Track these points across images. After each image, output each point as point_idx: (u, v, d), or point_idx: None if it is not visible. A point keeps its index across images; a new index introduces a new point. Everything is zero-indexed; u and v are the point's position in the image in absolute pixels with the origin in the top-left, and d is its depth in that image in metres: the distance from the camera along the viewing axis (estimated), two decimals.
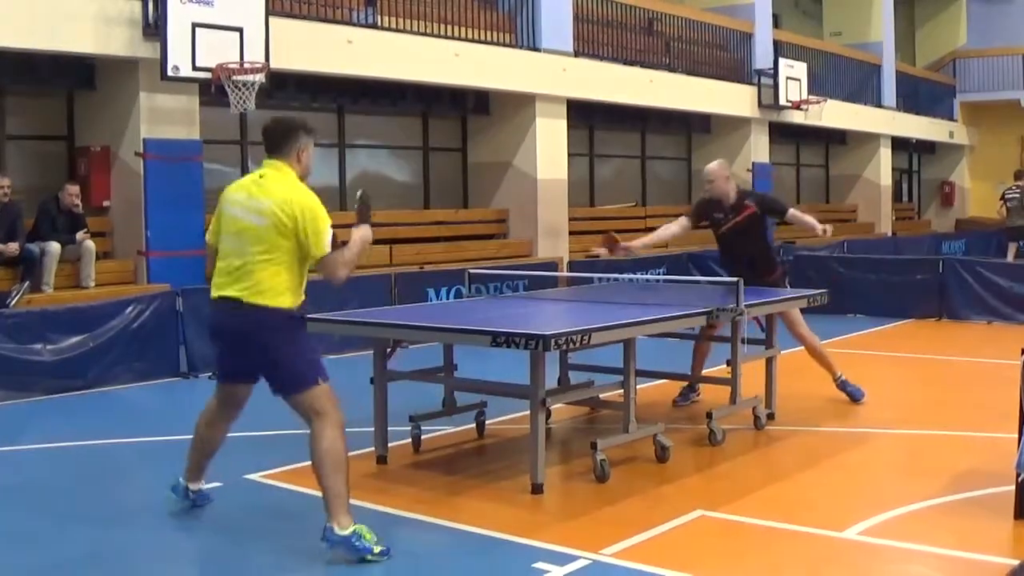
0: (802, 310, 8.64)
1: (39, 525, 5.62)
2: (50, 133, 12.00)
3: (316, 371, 5.04)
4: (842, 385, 8.49)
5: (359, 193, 5.52)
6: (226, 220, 5.13)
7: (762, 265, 8.34)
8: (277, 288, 4.96)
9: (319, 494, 5.98)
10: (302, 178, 5.13)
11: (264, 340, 5.03)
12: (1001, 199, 20.10)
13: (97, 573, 5.01)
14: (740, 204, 8.34)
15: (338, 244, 4.98)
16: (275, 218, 4.90)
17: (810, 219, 8.41)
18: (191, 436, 5.69)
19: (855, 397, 8.44)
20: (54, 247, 10.43)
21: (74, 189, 10.85)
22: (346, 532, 4.89)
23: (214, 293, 5.13)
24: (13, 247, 10.23)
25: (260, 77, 11.19)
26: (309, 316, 6.67)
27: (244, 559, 5.10)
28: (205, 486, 5.79)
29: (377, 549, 4.91)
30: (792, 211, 8.50)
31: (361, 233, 5.21)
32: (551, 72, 15.56)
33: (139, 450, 7.36)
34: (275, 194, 4.95)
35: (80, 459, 7.04)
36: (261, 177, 5.08)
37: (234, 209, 5.09)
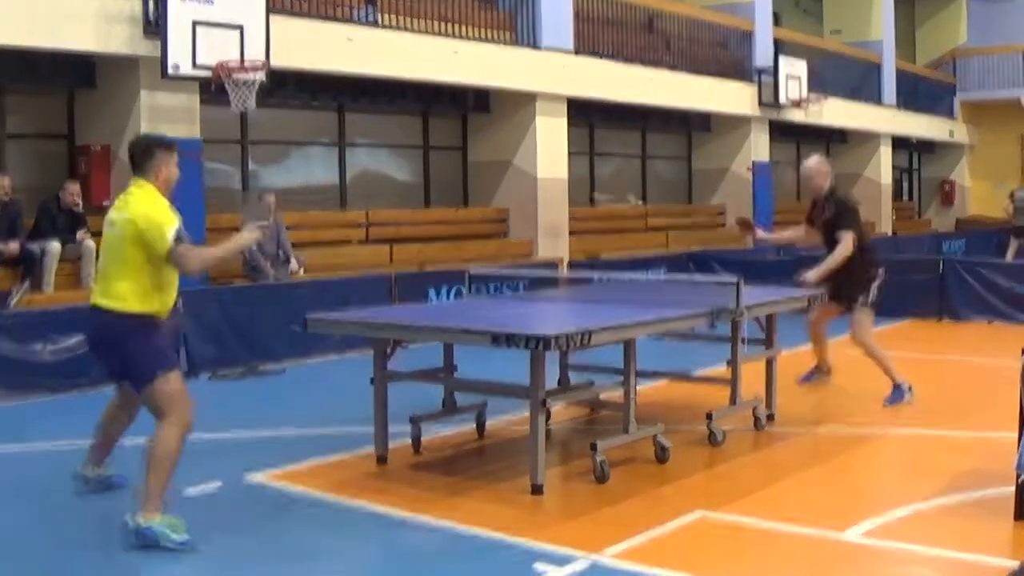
0: (802, 310, 8.65)
1: (39, 525, 5.62)
2: (50, 132, 12.00)
3: (159, 365, 5.30)
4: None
5: (256, 195, 5.87)
6: (104, 234, 5.51)
7: (849, 270, 8.27)
8: (132, 294, 5.28)
9: (320, 494, 6.00)
10: (165, 192, 5.44)
11: (114, 341, 5.37)
12: (1009, 197, 20.07)
13: (97, 573, 5.01)
14: (826, 204, 8.52)
15: (183, 240, 5.26)
16: (126, 228, 5.26)
17: (836, 256, 8.26)
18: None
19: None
20: (54, 246, 10.42)
21: (75, 188, 10.85)
22: (142, 524, 5.10)
23: (90, 300, 5.52)
24: (13, 246, 10.23)
25: (260, 75, 11.19)
26: (308, 316, 6.74)
27: (245, 558, 5.10)
28: (109, 472, 6.05)
29: (177, 537, 5.11)
30: (844, 235, 8.26)
31: (239, 236, 5.62)
32: (551, 70, 15.56)
33: (139, 450, 7.34)
34: (130, 209, 5.31)
35: (80, 459, 7.03)
36: (127, 195, 5.43)
37: (105, 226, 5.49)
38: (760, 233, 8.89)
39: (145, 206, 5.30)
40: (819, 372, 9.07)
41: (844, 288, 8.34)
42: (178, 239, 5.23)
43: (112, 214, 5.47)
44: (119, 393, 5.85)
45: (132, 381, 5.42)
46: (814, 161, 8.70)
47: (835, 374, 9.27)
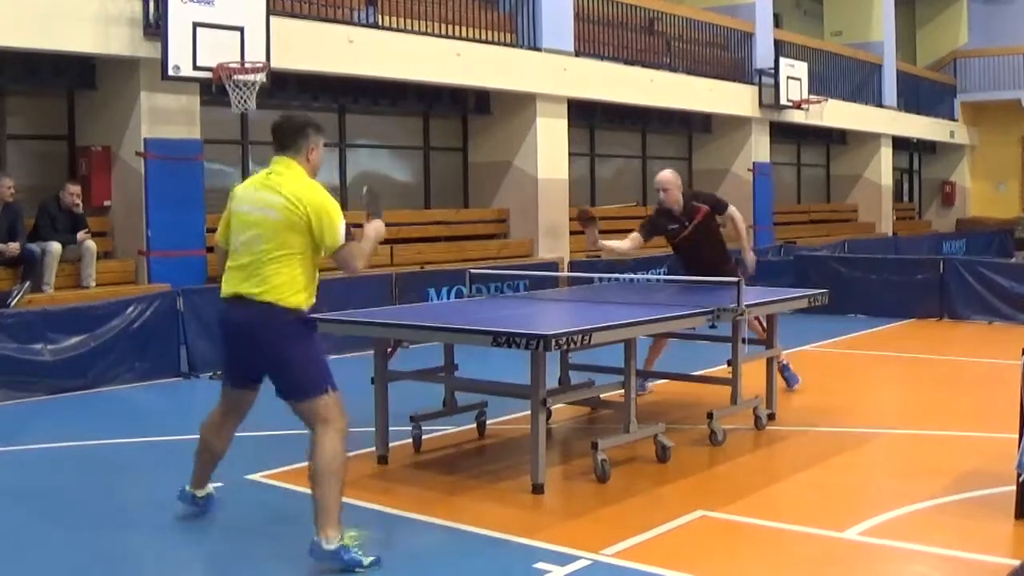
0: (804, 310, 8.65)
1: (40, 525, 5.62)
2: (51, 133, 12.00)
3: (326, 379, 4.91)
4: (783, 369, 8.73)
5: (364, 189, 5.53)
6: (236, 218, 5.04)
7: (720, 261, 8.42)
8: (289, 286, 4.85)
9: None
10: (311, 176, 5.09)
11: (273, 340, 4.89)
12: None
13: (97, 573, 5.01)
14: (691, 207, 8.47)
15: (351, 235, 4.93)
16: (286, 212, 4.83)
17: (743, 229, 8.65)
18: (195, 439, 5.57)
19: (790, 383, 8.74)
20: (54, 247, 10.43)
21: (75, 189, 10.85)
22: (333, 546, 4.71)
23: (224, 290, 5.03)
24: (14, 247, 10.23)
25: (261, 77, 11.19)
26: (309, 316, 6.72)
27: (245, 560, 5.10)
28: (211, 488, 5.70)
29: (367, 561, 4.75)
30: (732, 208, 8.63)
31: (375, 226, 5.24)
32: (552, 72, 15.57)
33: (140, 450, 7.36)
34: (286, 189, 4.88)
35: (81, 459, 7.04)
36: (270, 174, 5.03)
37: (243, 206, 5.01)
38: (598, 239, 8.14)
39: (307, 188, 4.88)
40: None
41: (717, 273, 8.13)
42: (349, 236, 4.89)
43: (249, 192, 5.03)
44: (229, 400, 5.34)
45: (292, 390, 4.90)
46: (671, 173, 8.72)
47: (834, 375, 9.28)
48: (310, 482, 4.82)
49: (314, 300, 5.03)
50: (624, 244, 8.43)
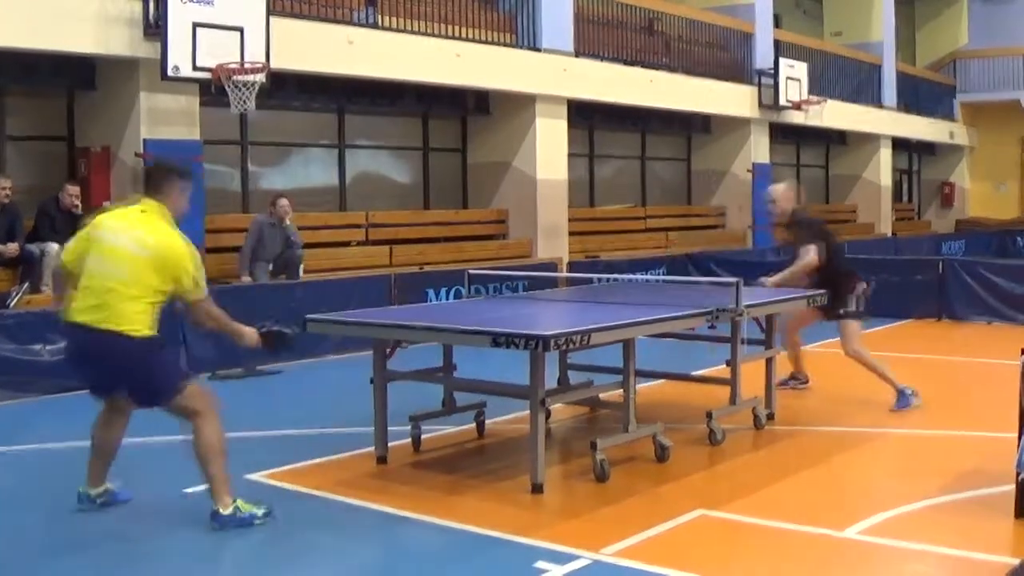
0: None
1: (40, 526, 5.61)
2: (50, 133, 11.99)
3: (177, 377, 5.45)
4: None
5: (288, 331, 5.81)
6: (99, 246, 5.32)
7: (827, 282, 8.27)
8: (135, 318, 5.23)
9: (320, 494, 6.00)
10: (175, 218, 5.45)
11: (121, 365, 5.33)
12: None
13: (97, 573, 5.01)
14: (788, 226, 8.60)
15: (204, 287, 5.39)
16: (155, 253, 5.23)
17: (794, 269, 8.38)
18: (89, 443, 5.81)
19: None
20: (53, 248, 10.40)
21: (74, 190, 10.84)
22: (229, 511, 5.32)
23: (71, 317, 5.33)
24: (13, 248, 10.22)
25: (260, 77, 11.19)
26: (308, 317, 6.75)
27: (245, 559, 5.10)
28: (109, 485, 5.85)
29: (260, 512, 5.39)
30: (806, 250, 8.28)
31: (246, 332, 5.66)
32: (551, 72, 15.56)
33: (139, 450, 7.35)
34: (157, 233, 5.28)
35: (80, 460, 7.01)
36: (143, 212, 5.37)
37: (109, 235, 5.33)
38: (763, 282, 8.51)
39: (172, 240, 5.29)
40: (796, 380, 9.02)
41: (833, 295, 8.27)
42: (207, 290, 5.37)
43: (118, 223, 5.37)
44: (108, 404, 5.69)
45: (151, 401, 5.41)
46: (782, 187, 8.73)
47: (834, 375, 9.27)
48: (198, 463, 5.36)
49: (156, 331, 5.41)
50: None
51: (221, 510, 5.32)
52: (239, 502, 5.38)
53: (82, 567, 5.06)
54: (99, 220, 5.46)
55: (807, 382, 9.06)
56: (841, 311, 8.32)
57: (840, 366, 9.43)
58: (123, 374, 5.38)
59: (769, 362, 7.96)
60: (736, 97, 19.54)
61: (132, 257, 5.23)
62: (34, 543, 5.33)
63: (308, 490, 6.13)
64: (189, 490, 6.07)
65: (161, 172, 5.55)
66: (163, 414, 5.46)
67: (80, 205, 10.85)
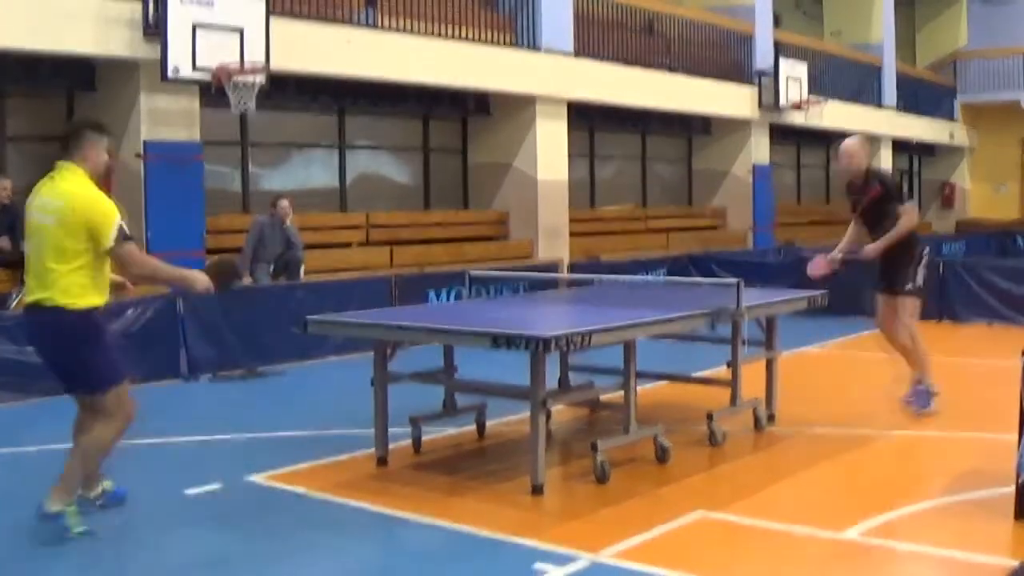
0: (804, 311, 8.64)
1: (38, 527, 5.61)
2: (50, 134, 11.97)
3: (114, 375, 5.23)
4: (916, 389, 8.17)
5: (224, 263, 5.67)
6: (27, 225, 5.27)
7: (894, 251, 7.95)
8: (72, 288, 5.07)
9: (320, 495, 5.99)
10: (93, 176, 5.26)
11: (61, 343, 5.17)
12: None
13: (97, 573, 5.01)
14: (869, 184, 8.07)
15: (128, 238, 5.12)
16: (61, 215, 5.06)
17: (898, 230, 7.91)
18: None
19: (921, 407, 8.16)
20: None
21: None
22: (54, 509, 5.09)
23: (26, 299, 5.30)
24: (7, 243, 10.17)
25: (260, 78, 11.20)
26: (309, 318, 6.74)
27: (245, 559, 5.10)
28: (106, 485, 5.77)
29: (77, 529, 5.13)
30: (907, 207, 7.98)
31: (190, 275, 5.49)
32: (551, 73, 15.57)
33: (139, 451, 7.35)
34: (62, 194, 5.11)
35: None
36: (52, 180, 5.22)
37: (32, 212, 5.24)
38: (835, 257, 8.26)
39: (81, 189, 5.12)
40: (928, 392, 8.22)
41: (889, 272, 8.03)
42: (124, 236, 5.10)
43: (35, 199, 5.26)
44: (79, 403, 5.56)
45: (81, 384, 5.26)
46: (857, 141, 8.20)
47: (835, 375, 9.27)
48: (75, 451, 5.23)
49: (106, 298, 5.24)
50: (848, 239, 8.26)
51: (47, 505, 5.10)
52: (71, 510, 5.16)
53: (81, 567, 5.05)
54: (28, 201, 5.35)
55: (936, 394, 8.27)
56: (909, 286, 7.99)
57: (841, 367, 9.43)
58: (63, 351, 5.20)
59: (770, 363, 7.95)
60: (736, 98, 19.55)
61: (45, 227, 5.14)
62: (34, 543, 5.32)
63: (308, 491, 6.13)
64: (189, 491, 6.08)
65: (69, 131, 5.36)
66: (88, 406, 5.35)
67: None
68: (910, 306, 8.11)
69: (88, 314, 5.11)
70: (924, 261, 8.08)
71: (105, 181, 5.32)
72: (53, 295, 5.09)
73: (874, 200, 8.05)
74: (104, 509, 5.72)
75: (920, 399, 8.11)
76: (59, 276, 5.08)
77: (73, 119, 5.71)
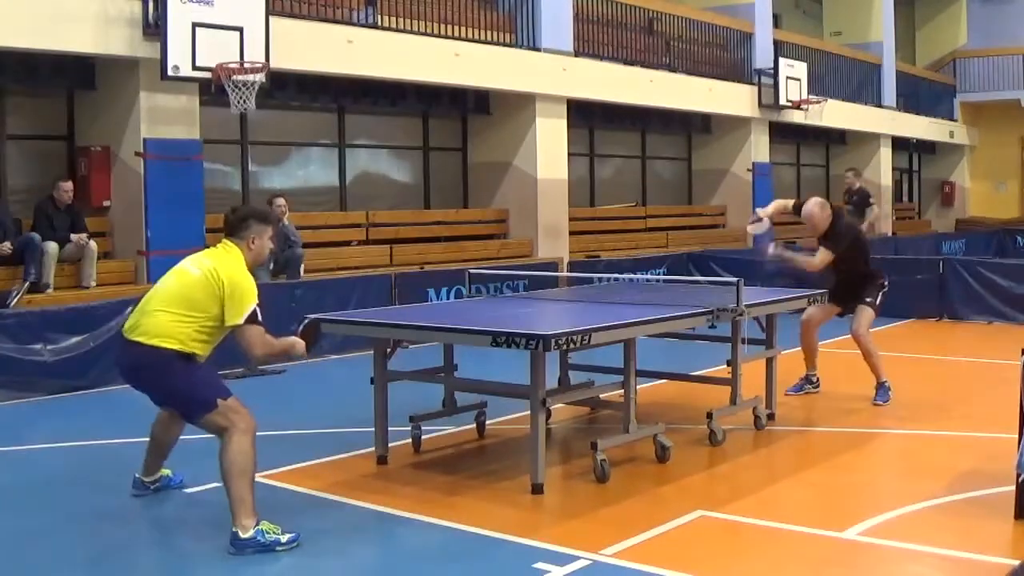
0: (804, 310, 8.65)
1: (40, 525, 5.62)
2: (50, 133, 11.99)
3: (208, 394, 5.33)
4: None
5: (306, 321, 5.93)
6: (168, 275, 5.54)
7: (863, 277, 8.62)
8: (171, 331, 5.28)
9: (320, 494, 6.00)
10: (251, 263, 5.53)
11: (149, 377, 5.40)
12: None
13: (97, 572, 5.01)
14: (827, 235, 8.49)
15: (256, 320, 5.35)
16: (204, 275, 5.30)
17: (799, 259, 8.61)
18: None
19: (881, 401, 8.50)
20: (52, 247, 10.40)
21: (67, 186, 10.78)
22: (249, 534, 5.09)
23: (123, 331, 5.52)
24: (6, 247, 10.16)
25: (260, 77, 11.19)
26: (309, 317, 6.75)
27: (245, 558, 5.10)
28: (164, 471, 6.11)
29: (285, 539, 5.14)
30: (822, 252, 8.41)
31: (294, 343, 5.68)
32: (551, 72, 15.56)
33: (140, 450, 7.34)
34: (216, 262, 5.38)
35: (81, 459, 7.04)
36: (212, 250, 5.54)
37: (179, 265, 5.53)
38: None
39: (234, 269, 5.37)
40: (808, 383, 8.91)
41: (858, 291, 8.52)
42: (252, 319, 5.33)
43: (191, 261, 5.49)
44: (164, 409, 5.85)
45: (187, 413, 5.45)
46: (817, 208, 8.45)
47: (835, 375, 9.27)
48: (223, 479, 5.21)
49: (205, 355, 5.48)
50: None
51: (240, 533, 5.11)
52: (264, 525, 5.17)
53: (80, 567, 5.05)
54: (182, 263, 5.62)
55: (819, 385, 8.96)
56: (867, 299, 8.52)
57: (841, 367, 9.44)
58: (153, 386, 5.45)
59: (770, 362, 7.96)
60: (736, 97, 19.55)
61: (186, 274, 5.39)
62: (34, 544, 5.33)
63: (308, 490, 6.13)
64: (189, 490, 6.08)
65: (236, 217, 5.60)
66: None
67: (71, 194, 10.79)
68: (868, 314, 8.56)
69: (169, 354, 5.28)
70: (886, 289, 8.70)
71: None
72: (147, 333, 5.30)
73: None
74: (157, 492, 5.99)
75: (882, 395, 8.50)
76: (162, 317, 5.29)
77: (241, 208, 5.90)
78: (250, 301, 5.32)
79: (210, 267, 5.32)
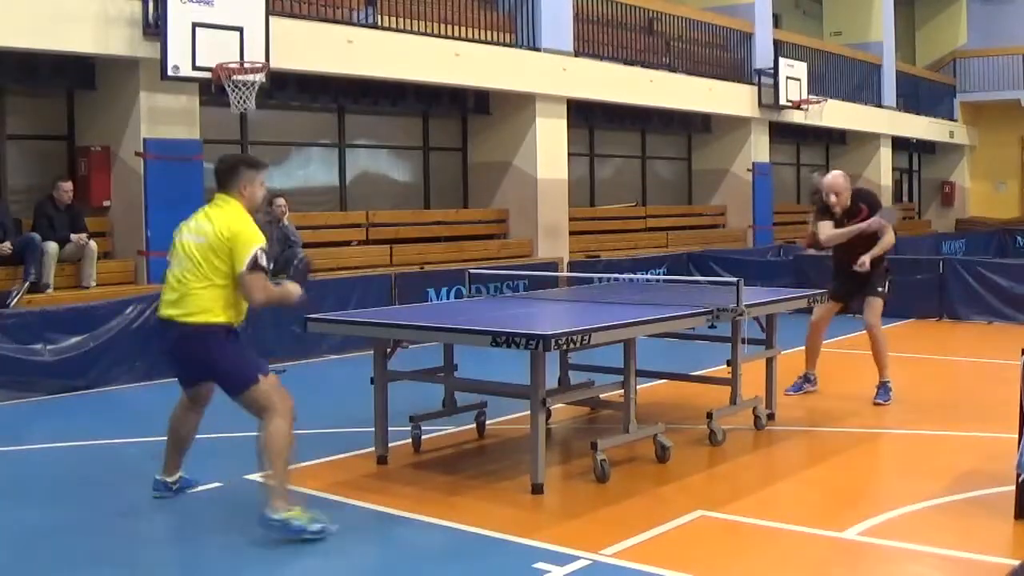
0: (804, 310, 8.65)
1: (40, 525, 5.62)
2: (50, 133, 11.99)
3: (248, 371, 5.44)
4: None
5: (300, 258, 5.96)
6: (176, 247, 5.57)
7: (873, 262, 8.43)
8: (206, 307, 5.38)
9: (320, 494, 6.00)
10: (249, 209, 5.60)
11: (197, 354, 5.49)
12: None
13: (97, 572, 5.01)
14: (855, 207, 8.48)
15: (259, 267, 5.40)
16: (212, 239, 5.39)
17: (884, 243, 8.53)
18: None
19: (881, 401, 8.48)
20: (52, 246, 10.40)
21: (66, 185, 10.78)
22: (280, 515, 5.19)
23: (159, 311, 5.61)
24: (6, 247, 10.16)
25: (260, 77, 11.19)
26: (309, 316, 6.77)
27: (245, 558, 5.10)
28: (182, 472, 6.05)
29: (313, 527, 5.21)
30: (884, 235, 8.47)
31: (290, 289, 5.76)
32: (551, 72, 15.56)
33: (139, 450, 7.35)
34: (217, 221, 5.44)
35: (81, 459, 7.04)
36: (209, 208, 5.58)
37: (183, 236, 5.56)
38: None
39: (234, 219, 5.44)
40: (807, 382, 8.92)
41: (865, 278, 8.41)
42: (255, 265, 5.37)
43: (190, 224, 5.57)
44: (188, 395, 5.88)
45: (228, 388, 5.49)
46: (841, 179, 8.53)
47: (835, 375, 9.27)
48: (259, 460, 5.32)
49: (241, 317, 5.57)
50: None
51: (270, 513, 5.19)
52: (296, 511, 5.23)
53: (82, 567, 5.05)
54: (180, 228, 5.65)
55: (816, 383, 8.98)
56: (878, 288, 8.48)
57: (841, 367, 9.44)
58: (200, 364, 5.53)
59: (770, 362, 7.96)
60: (736, 97, 19.55)
61: (193, 247, 5.43)
62: (35, 545, 5.33)
63: (308, 490, 6.12)
64: (190, 490, 6.08)
65: (225, 167, 5.68)
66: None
67: (71, 194, 10.78)
68: (879, 304, 8.51)
69: (214, 329, 5.40)
70: (891, 275, 8.67)
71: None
72: (189, 312, 5.39)
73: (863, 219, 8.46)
74: (178, 494, 5.97)
75: (883, 395, 8.46)
76: (197, 292, 5.38)
77: (226, 155, 5.99)
78: (252, 245, 5.38)
79: (213, 229, 5.39)
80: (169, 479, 5.98)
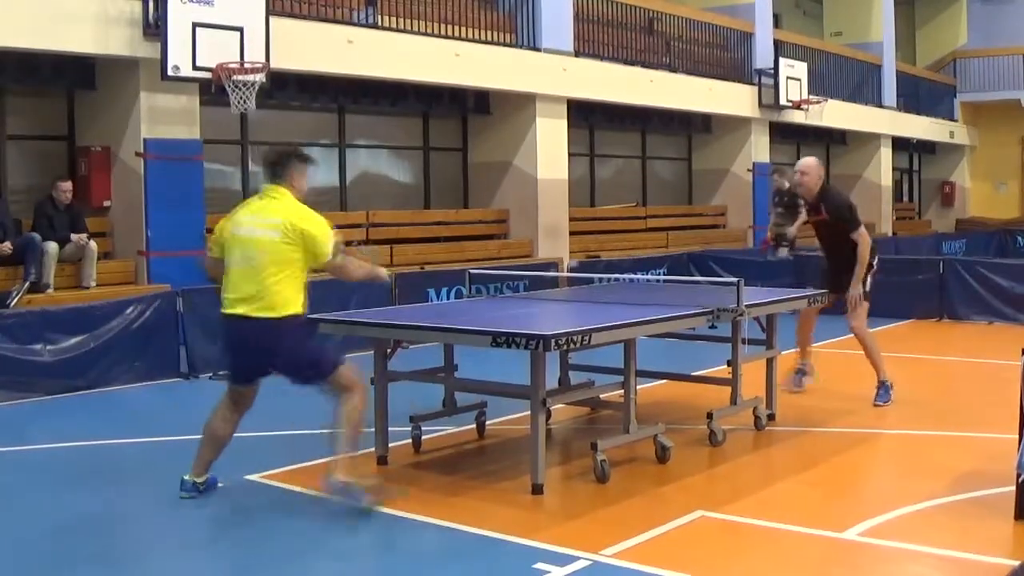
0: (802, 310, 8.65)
1: (40, 524, 5.62)
2: (50, 133, 11.99)
3: (335, 354, 5.88)
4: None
5: (368, 248, 6.21)
6: (237, 239, 5.71)
7: (847, 268, 8.37)
8: (287, 299, 5.61)
9: (320, 494, 6.00)
10: (299, 198, 5.79)
11: (282, 346, 5.65)
12: None
13: (98, 573, 5.01)
14: (818, 204, 8.52)
15: (340, 249, 5.71)
16: (286, 230, 5.57)
17: (861, 257, 8.30)
18: (196, 439, 5.95)
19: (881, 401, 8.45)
20: (52, 246, 10.40)
21: (66, 185, 10.78)
22: (339, 479, 5.60)
23: (228, 309, 5.73)
24: (6, 247, 10.16)
25: (260, 77, 11.20)
26: (311, 316, 6.76)
27: (245, 558, 5.10)
28: (209, 474, 6.10)
29: (365, 502, 5.58)
30: (860, 234, 8.32)
31: (376, 269, 6.12)
32: (551, 72, 15.56)
33: (139, 450, 7.36)
34: (282, 213, 5.63)
35: (81, 459, 7.04)
36: (261, 199, 5.77)
37: (243, 228, 5.71)
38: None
39: (299, 211, 5.65)
40: (804, 374, 8.94)
41: (844, 279, 8.36)
42: (340, 249, 5.66)
43: (247, 215, 5.72)
44: (235, 396, 5.98)
45: (311, 377, 5.74)
46: (813, 160, 8.62)
47: (835, 375, 9.27)
48: (334, 427, 5.71)
49: (306, 306, 5.78)
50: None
51: (338, 475, 5.57)
52: (358, 481, 5.61)
53: (83, 565, 5.05)
54: (234, 216, 5.82)
55: (811, 373, 8.97)
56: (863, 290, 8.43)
57: (841, 367, 9.44)
58: (282, 355, 5.67)
59: (770, 362, 7.96)
60: (736, 97, 19.54)
61: (260, 240, 5.59)
62: (35, 544, 5.33)
63: (308, 490, 6.13)
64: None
65: (275, 158, 5.84)
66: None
67: (70, 194, 10.78)
68: (864, 307, 8.43)
69: (300, 319, 5.68)
70: (875, 271, 8.51)
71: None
72: (271, 305, 5.59)
73: (825, 222, 8.52)
74: (204, 493, 6.00)
75: (882, 396, 8.43)
76: (277, 286, 5.58)
77: (279, 148, 6.18)
78: (328, 230, 5.63)
79: (281, 222, 5.56)
80: (198, 480, 6.00)
